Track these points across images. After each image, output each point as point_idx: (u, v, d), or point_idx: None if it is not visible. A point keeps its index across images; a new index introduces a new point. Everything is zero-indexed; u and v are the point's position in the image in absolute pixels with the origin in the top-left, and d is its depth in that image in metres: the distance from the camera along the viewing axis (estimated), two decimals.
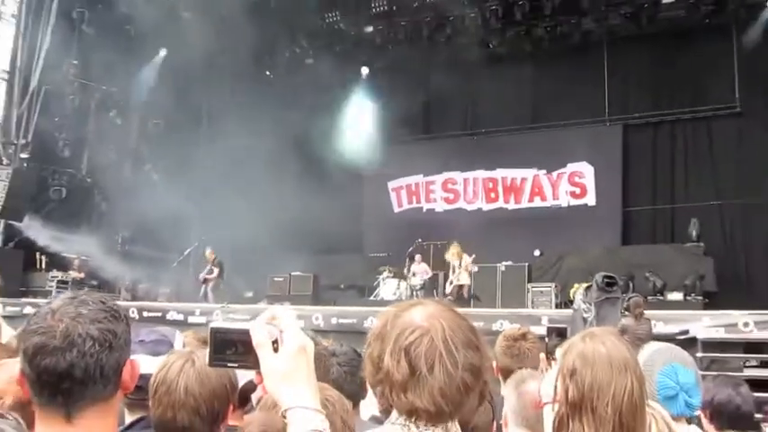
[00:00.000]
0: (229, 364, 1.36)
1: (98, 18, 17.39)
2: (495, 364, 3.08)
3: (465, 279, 13.73)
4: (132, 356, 1.60)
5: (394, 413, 1.50)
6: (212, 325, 1.36)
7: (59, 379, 1.41)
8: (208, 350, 1.35)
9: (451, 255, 14.00)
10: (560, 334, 2.81)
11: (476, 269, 13.91)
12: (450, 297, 13.67)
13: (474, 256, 13.92)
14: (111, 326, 1.47)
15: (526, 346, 3.09)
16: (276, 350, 1.31)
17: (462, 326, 1.45)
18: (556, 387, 1.88)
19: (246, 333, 1.31)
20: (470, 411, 1.47)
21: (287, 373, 1.30)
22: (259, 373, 1.31)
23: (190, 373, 1.84)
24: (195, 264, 17.18)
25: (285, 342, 1.31)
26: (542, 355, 3.01)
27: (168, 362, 1.91)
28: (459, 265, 13.80)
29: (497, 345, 3.17)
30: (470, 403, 1.46)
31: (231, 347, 1.33)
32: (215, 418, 1.79)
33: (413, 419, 1.43)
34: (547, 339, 2.92)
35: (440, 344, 1.39)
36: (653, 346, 2.57)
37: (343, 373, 2.59)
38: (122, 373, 1.50)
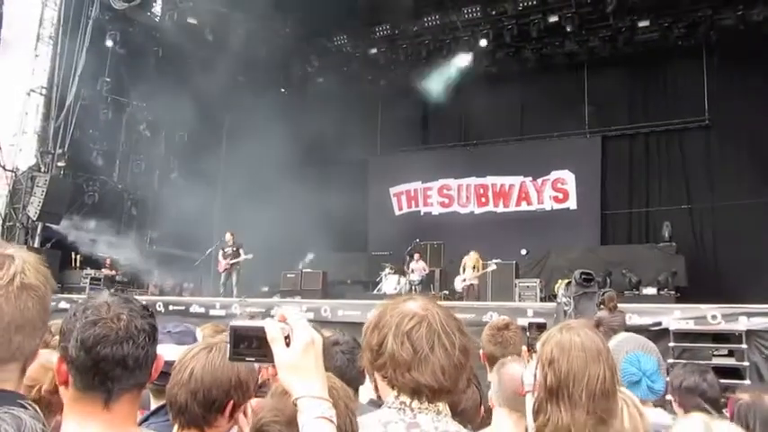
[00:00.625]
0: (247, 359, 1.37)
1: (130, 39, 17.42)
2: (481, 351, 3.07)
3: (475, 281, 13.78)
4: (160, 345, 1.60)
5: (390, 397, 1.51)
6: (232, 323, 1.38)
7: (115, 366, 1.42)
8: (228, 346, 1.36)
9: (473, 260, 13.94)
10: (540, 328, 2.77)
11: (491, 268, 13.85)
12: (461, 294, 13.67)
13: (494, 266, 13.82)
14: (154, 321, 1.52)
15: (509, 334, 3.09)
16: (288, 345, 1.32)
17: (450, 314, 1.54)
18: (535, 374, 1.86)
19: (262, 329, 1.33)
20: (461, 392, 1.52)
21: (298, 366, 1.32)
22: (273, 365, 1.33)
23: (200, 360, 1.82)
24: (216, 262, 17.13)
25: (296, 337, 1.33)
26: (524, 348, 2.99)
27: (192, 348, 1.90)
28: (474, 268, 13.78)
29: (484, 334, 3.16)
30: (462, 382, 1.53)
31: (249, 343, 1.35)
32: (210, 404, 1.76)
33: (413, 399, 1.48)
34: (528, 333, 2.88)
35: (438, 327, 1.47)
36: (619, 336, 2.56)
37: (346, 361, 2.59)
38: (155, 363, 1.53)
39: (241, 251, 14.77)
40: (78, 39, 16.20)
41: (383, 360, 1.48)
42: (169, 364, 1.87)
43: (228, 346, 1.36)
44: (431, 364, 1.44)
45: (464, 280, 13.80)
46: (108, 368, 1.42)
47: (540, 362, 1.83)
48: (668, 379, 2.45)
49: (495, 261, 13.85)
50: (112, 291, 1.63)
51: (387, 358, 1.47)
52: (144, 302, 1.55)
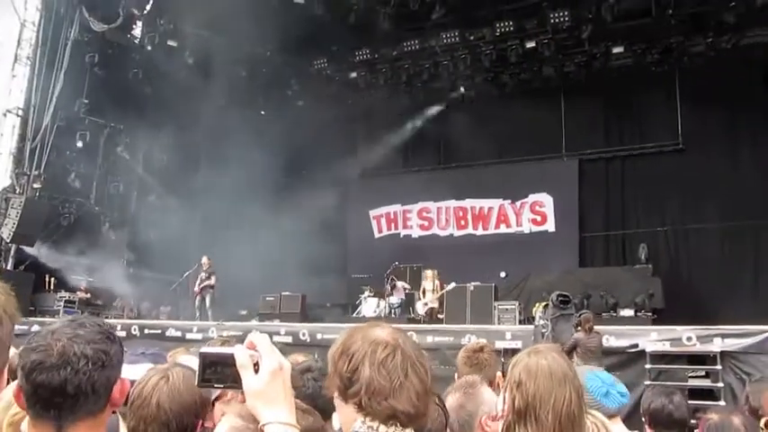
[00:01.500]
0: (216, 385, 1.38)
1: (109, 61, 17.38)
2: (456, 374, 3.08)
3: (435, 304, 13.81)
4: (136, 365, 1.59)
5: (357, 422, 1.50)
6: (202, 350, 1.39)
7: (53, 394, 1.41)
8: (197, 372, 1.36)
9: (428, 280, 14.03)
10: (515, 353, 2.80)
11: (470, 287, 13.90)
12: (423, 317, 13.68)
13: (453, 284, 13.88)
14: (105, 347, 1.48)
15: (484, 356, 3.12)
16: (257, 371, 1.33)
17: (413, 342, 1.57)
18: (504, 398, 1.89)
19: (231, 356, 1.33)
20: (430, 414, 1.57)
21: (265, 392, 1.32)
22: (242, 392, 1.33)
23: (163, 390, 1.82)
24: (193, 285, 16.98)
25: (264, 364, 1.34)
26: (499, 374, 3.01)
27: (145, 377, 1.89)
28: (433, 290, 13.85)
29: (459, 356, 3.18)
30: (431, 406, 1.57)
31: (217, 369, 1.35)
32: (183, 430, 1.76)
33: (382, 424, 1.47)
34: (503, 359, 2.91)
35: (411, 355, 1.50)
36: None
37: (318, 388, 2.56)
38: (113, 390, 1.50)
39: (213, 276, 14.71)
40: (57, 60, 16.16)
41: (357, 388, 1.48)
42: None
43: (197, 372, 1.36)
44: (406, 391, 1.45)
45: (425, 303, 13.87)
46: (46, 395, 1.41)
47: (509, 385, 1.87)
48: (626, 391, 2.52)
49: (473, 284, 13.86)
50: (79, 313, 1.60)
51: (361, 386, 1.47)
52: (107, 326, 1.54)
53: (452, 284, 13.83)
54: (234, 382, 1.33)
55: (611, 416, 2.33)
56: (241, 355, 1.33)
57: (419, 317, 13.90)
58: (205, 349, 1.39)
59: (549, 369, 1.83)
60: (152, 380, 1.85)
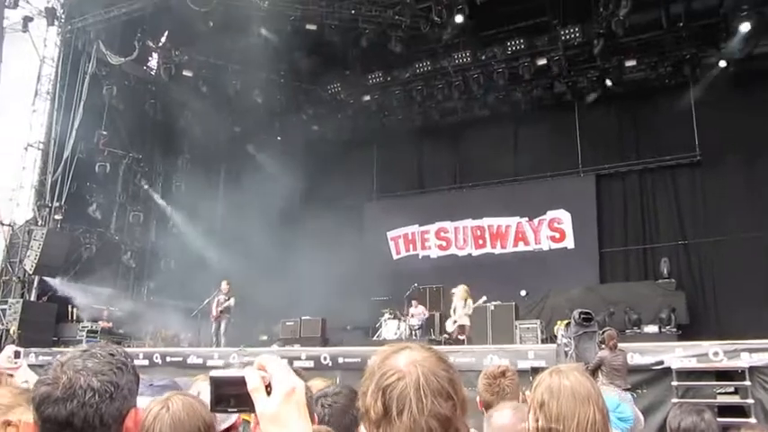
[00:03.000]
0: (229, 409, 1.34)
1: (126, 93, 17.70)
2: (478, 399, 3.04)
3: (466, 321, 13.56)
4: (140, 399, 1.58)
5: None
6: (212, 374, 1.35)
7: (60, 427, 1.40)
8: (209, 397, 1.33)
9: (459, 297, 13.79)
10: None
11: (491, 306, 13.70)
12: (451, 335, 13.44)
13: (484, 298, 13.69)
14: (114, 378, 1.45)
15: (505, 383, 3.04)
16: (269, 393, 1.29)
17: (439, 375, 1.41)
18: (528, 419, 1.87)
19: (242, 379, 1.30)
20: None
21: (279, 414, 1.27)
22: (255, 415, 1.29)
23: (164, 419, 1.80)
24: (211, 312, 17.06)
25: (276, 385, 1.29)
26: (528, 393, 2.95)
27: (147, 408, 1.87)
28: (464, 306, 13.63)
29: (479, 382, 3.12)
30: None
31: (229, 393, 1.31)
32: None
33: None
34: (531, 378, 2.85)
35: (411, 390, 1.37)
36: None
37: (326, 416, 2.51)
38: (125, 421, 1.47)
39: (231, 299, 14.68)
40: (75, 93, 16.48)
41: (362, 411, 1.44)
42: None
43: (209, 397, 1.33)
44: (396, 428, 1.37)
45: (455, 321, 13.63)
46: (54, 428, 1.41)
47: (532, 406, 1.85)
48: (634, 408, 2.43)
49: (494, 303, 13.77)
50: (97, 344, 1.59)
51: (364, 410, 1.43)
52: (122, 356, 1.52)
53: (483, 298, 13.62)
54: (246, 405, 1.30)
55: None
56: (252, 377, 1.29)
57: (445, 336, 13.74)
58: (215, 373, 1.36)
59: (572, 389, 1.81)
60: (153, 410, 1.84)
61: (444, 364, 1.46)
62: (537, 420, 1.81)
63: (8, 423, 1.81)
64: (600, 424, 1.77)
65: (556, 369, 1.91)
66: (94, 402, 1.40)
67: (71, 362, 1.45)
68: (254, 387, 1.28)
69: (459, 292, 13.69)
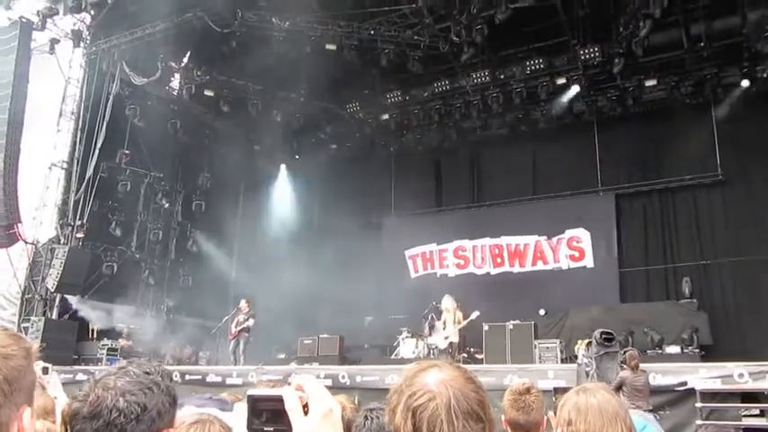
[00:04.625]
0: (266, 428, 1.34)
1: (148, 113, 18.00)
2: (503, 417, 3.04)
3: (455, 336, 13.46)
4: (202, 408, 1.57)
5: None
6: (250, 392, 1.36)
7: None
8: (246, 416, 1.34)
9: (447, 310, 13.76)
10: (565, 392, 2.74)
11: (486, 328, 13.65)
12: (444, 351, 13.37)
13: (477, 313, 13.66)
14: (143, 399, 1.44)
15: (530, 399, 3.04)
16: (306, 413, 1.30)
17: (469, 396, 1.40)
18: None
19: (280, 398, 1.31)
20: None
21: None
22: None
23: None
24: (230, 330, 17.16)
25: (313, 406, 1.31)
26: (551, 413, 2.94)
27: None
28: (454, 319, 13.57)
29: (504, 399, 3.12)
30: None
31: (266, 412, 1.33)
32: None
33: None
34: (554, 399, 2.83)
35: (442, 411, 1.36)
36: None
37: (380, 426, 2.48)
38: None
39: (251, 320, 14.70)
40: (99, 113, 16.78)
41: (391, 428, 1.43)
42: None
43: (246, 415, 1.34)
44: None
45: (446, 338, 13.60)
46: None
47: (559, 424, 1.86)
48: (660, 430, 2.38)
49: (513, 322, 13.68)
50: (135, 362, 1.61)
51: (392, 428, 1.42)
52: (158, 375, 1.51)
53: (476, 313, 13.56)
54: (283, 424, 1.31)
55: None
56: (290, 397, 1.31)
57: (464, 356, 13.67)
58: (253, 392, 1.37)
59: (599, 407, 1.82)
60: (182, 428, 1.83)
61: (473, 384, 1.45)
62: None
63: None
64: None
65: (582, 387, 1.93)
66: (119, 423, 1.39)
67: (104, 379, 1.46)
68: (292, 407, 1.30)
69: (447, 304, 13.61)
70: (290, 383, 1.38)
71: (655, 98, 16.42)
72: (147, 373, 1.50)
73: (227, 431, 1.91)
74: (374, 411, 2.58)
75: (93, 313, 16.31)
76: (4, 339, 1.18)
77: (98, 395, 1.42)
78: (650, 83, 15.92)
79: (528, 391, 3.09)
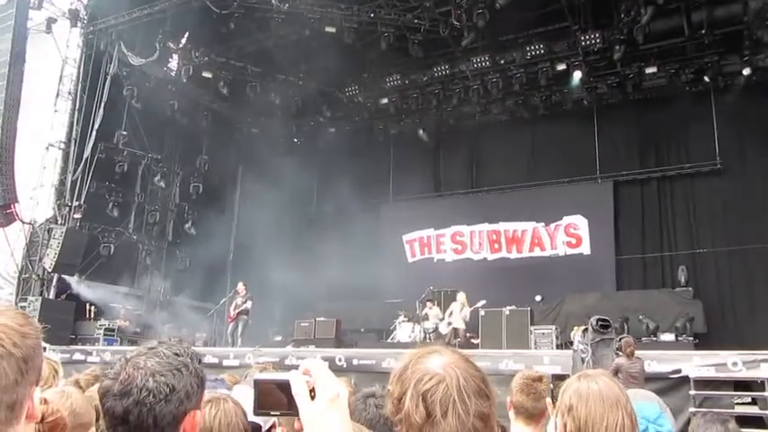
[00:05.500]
0: (272, 413, 1.35)
1: (146, 94, 17.89)
2: (508, 399, 3.06)
3: (461, 324, 13.68)
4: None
5: None
6: (256, 377, 1.36)
7: (117, 422, 1.43)
8: (253, 400, 1.33)
9: (459, 302, 13.99)
10: (562, 379, 2.75)
11: (482, 313, 13.80)
12: (446, 337, 13.58)
13: (483, 302, 13.84)
14: (172, 379, 1.45)
15: (541, 387, 3.07)
16: (313, 398, 1.30)
17: (475, 376, 1.44)
18: (556, 423, 1.88)
19: (287, 383, 1.31)
20: None
21: (323, 419, 1.28)
22: (299, 419, 1.30)
23: (220, 419, 1.85)
24: (229, 312, 17.20)
25: (321, 391, 1.30)
26: (548, 400, 2.96)
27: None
28: (461, 311, 13.79)
29: (514, 382, 3.13)
30: None
31: (273, 396, 1.32)
32: None
33: None
34: (552, 386, 2.84)
35: (454, 392, 1.38)
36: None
37: (378, 415, 2.52)
38: (183, 423, 1.47)
39: (248, 302, 14.76)
40: (96, 94, 16.66)
41: (400, 416, 1.43)
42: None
43: (253, 400, 1.33)
44: (441, 431, 1.37)
45: (449, 324, 13.77)
46: (112, 422, 1.43)
47: (560, 410, 1.86)
48: (673, 420, 2.37)
49: (509, 308, 13.74)
50: (165, 343, 1.60)
51: (403, 416, 1.41)
52: (188, 357, 1.51)
53: (482, 302, 13.75)
54: (290, 409, 1.30)
55: None
56: (296, 381, 1.30)
57: (459, 340, 13.77)
58: (260, 376, 1.36)
59: (601, 393, 1.82)
60: (206, 409, 1.85)
61: (473, 364, 1.48)
62: (565, 425, 1.82)
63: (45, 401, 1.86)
64: (629, 429, 1.78)
65: (584, 374, 1.93)
66: (148, 402, 1.41)
67: (135, 359, 1.47)
68: (299, 391, 1.29)
69: (461, 298, 14.01)
70: (296, 368, 1.36)
71: (655, 85, 16.38)
72: (177, 354, 1.51)
73: (240, 409, 1.91)
74: (372, 399, 2.59)
75: (90, 293, 16.33)
76: (20, 319, 1.17)
77: (129, 374, 1.44)
78: (650, 70, 15.87)
79: (540, 379, 3.11)
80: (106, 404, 1.43)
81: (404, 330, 15.20)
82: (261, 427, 2.31)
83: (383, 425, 2.48)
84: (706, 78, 15.64)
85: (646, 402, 2.37)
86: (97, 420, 2.07)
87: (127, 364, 1.46)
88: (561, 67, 16.12)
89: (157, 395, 1.42)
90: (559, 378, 2.76)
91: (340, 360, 11.85)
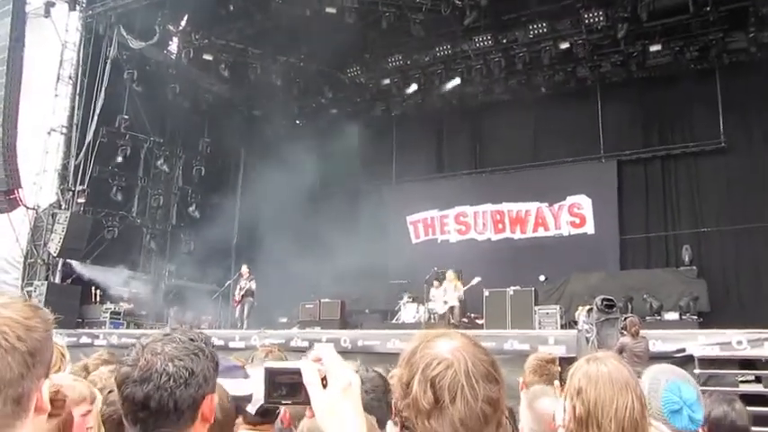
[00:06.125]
0: (283, 402, 1.33)
1: (147, 77, 17.82)
2: (521, 380, 3.08)
3: (456, 302, 13.74)
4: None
5: None
6: (266, 364, 1.35)
7: (137, 408, 1.44)
8: (263, 389, 1.32)
9: (449, 280, 14.00)
10: (569, 362, 2.75)
11: (486, 294, 13.84)
12: (443, 316, 13.65)
13: (478, 278, 13.91)
14: (190, 364, 1.48)
15: (554, 369, 3.10)
16: (325, 387, 1.29)
17: (483, 360, 1.42)
18: (564, 406, 1.88)
19: (298, 371, 1.29)
20: None
21: (335, 408, 1.28)
22: (310, 408, 1.30)
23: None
24: (234, 296, 17.26)
25: (332, 379, 1.30)
26: (556, 383, 2.96)
27: None
28: (454, 289, 13.81)
29: (528, 363, 3.16)
30: (490, 430, 1.42)
31: (284, 384, 1.31)
32: None
33: None
34: (559, 369, 2.86)
35: (462, 377, 1.37)
36: (657, 366, 2.51)
37: (370, 399, 2.48)
38: (201, 407, 1.49)
39: (252, 283, 14.88)
40: (97, 78, 16.60)
41: (408, 401, 1.41)
42: (238, 399, 1.97)
43: (263, 389, 1.32)
44: (449, 416, 1.35)
45: (445, 302, 13.83)
46: (132, 408, 1.45)
47: (569, 393, 1.86)
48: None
49: (513, 288, 13.74)
50: (179, 329, 1.62)
51: (411, 401, 1.40)
52: (202, 342, 1.53)
53: (477, 279, 13.81)
54: (301, 397, 1.29)
55: None
56: (308, 369, 1.29)
57: (464, 321, 13.83)
58: (270, 364, 1.35)
59: (610, 376, 1.82)
60: None
61: (482, 348, 1.47)
62: (574, 407, 1.82)
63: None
64: (638, 412, 1.78)
65: (593, 356, 1.93)
66: (169, 387, 1.44)
67: (151, 345, 1.49)
68: (310, 380, 1.29)
69: (450, 276, 14.08)
70: (308, 354, 1.37)
71: (659, 63, 16.21)
72: (192, 339, 1.53)
73: (222, 390, 1.93)
74: (364, 384, 2.57)
75: (95, 277, 16.40)
76: (26, 311, 1.17)
77: (147, 360, 1.45)
78: (655, 48, 15.68)
79: (553, 361, 3.14)
80: (125, 391, 1.45)
81: (408, 311, 15.26)
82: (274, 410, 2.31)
83: (377, 408, 2.48)
84: (711, 56, 15.48)
85: (685, 383, 2.34)
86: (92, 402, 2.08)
87: (144, 350, 1.48)
88: (564, 45, 15.95)
89: (177, 379, 1.45)
90: (567, 361, 2.76)
91: (345, 341, 11.92)
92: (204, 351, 1.52)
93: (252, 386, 2.08)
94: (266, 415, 2.30)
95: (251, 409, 2.27)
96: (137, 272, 17.76)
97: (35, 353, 1.13)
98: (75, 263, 16.22)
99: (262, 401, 1.66)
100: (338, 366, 1.32)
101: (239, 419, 2.19)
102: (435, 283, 14.73)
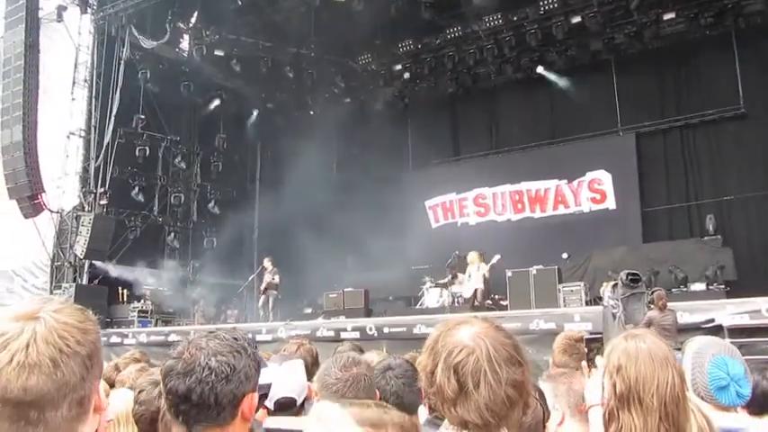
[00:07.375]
0: None
1: (160, 76, 17.88)
2: (550, 359, 3.05)
3: (480, 284, 13.59)
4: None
5: (446, 421, 1.49)
6: (266, 426, 1.39)
7: (179, 400, 1.48)
8: None
9: (471, 262, 13.90)
10: (596, 342, 2.71)
11: (509, 274, 13.73)
12: (469, 300, 13.56)
13: (497, 257, 13.78)
14: (233, 360, 1.51)
15: (583, 347, 3.06)
16: None
17: (506, 344, 1.44)
18: (603, 384, 1.85)
19: None
20: (516, 422, 1.44)
21: None
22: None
23: None
24: (259, 288, 17.37)
25: None
26: (584, 363, 2.93)
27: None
28: (477, 269, 13.71)
29: (557, 342, 3.14)
30: (516, 415, 1.45)
31: None
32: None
33: (462, 430, 1.44)
34: (586, 350, 2.82)
35: (484, 362, 1.39)
36: (701, 339, 2.46)
37: (402, 385, 2.55)
38: (241, 404, 1.52)
39: (276, 276, 14.96)
40: (111, 79, 16.71)
41: (434, 389, 1.45)
42: (264, 387, 1.97)
43: None
44: (474, 402, 1.38)
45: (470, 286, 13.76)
46: (175, 400, 1.48)
47: (608, 371, 1.83)
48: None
49: (536, 267, 13.62)
50: (224, 327, 1.66)
51: (436, 389, 1.44)
52: (244, 341, 1.58)
53: (497, 257, 13.70)
54: None
55: (723, 408, 2.19)
56: None
57: (488, 303, 13.75)
58: (271, 425, 1.41)
59: (650, 352, 1.79)
60: None
61: (504, 332, 1.49)
62: (614, 385, 1.79)
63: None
64: (678, 387, 1.75)
65: (630, 333, 1.90)
66: (210, 381, 1.47)
67: (196, 341, 1.54)
68: None
69: (471, 257, 13.88)
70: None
71: (673, 32, 15.90)
72: (236, 338, 1.57)
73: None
74: (390, 372, 2.57)
75: (121, 277, 16.60)
76: (79, 315, 1.18)
77: (192, 354, 1.50)
78: (668, 16, 15.40)
79: (581, 339, 3.10)
80: (169, 383, 1.49)
81: (432, 296, 15.23)
82: (296, 400, 2.32)
83: (409, 393, 2.49)
84: (726, 21, 15.15)
85: (732, 358, 2.29)
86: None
87: (189, 345, 1.53)
88: (576, 19, 15.72)
89: (219, 374, 1.48)
90: (593, 341, 2.74)
91: (371, 329, 11.95)
92: (247, 350, 1.56)
93: (269, 377, 2.09)
94: (284, 408, 2.30)
95: (269, 403, 2.28)
96: (161, 269, 17.93)
97: (92, 355, 1.16)
98: (101, 264, 16.42)
99: (279, 396, 1.66)
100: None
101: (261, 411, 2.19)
102: (454, 267, 14.67)
